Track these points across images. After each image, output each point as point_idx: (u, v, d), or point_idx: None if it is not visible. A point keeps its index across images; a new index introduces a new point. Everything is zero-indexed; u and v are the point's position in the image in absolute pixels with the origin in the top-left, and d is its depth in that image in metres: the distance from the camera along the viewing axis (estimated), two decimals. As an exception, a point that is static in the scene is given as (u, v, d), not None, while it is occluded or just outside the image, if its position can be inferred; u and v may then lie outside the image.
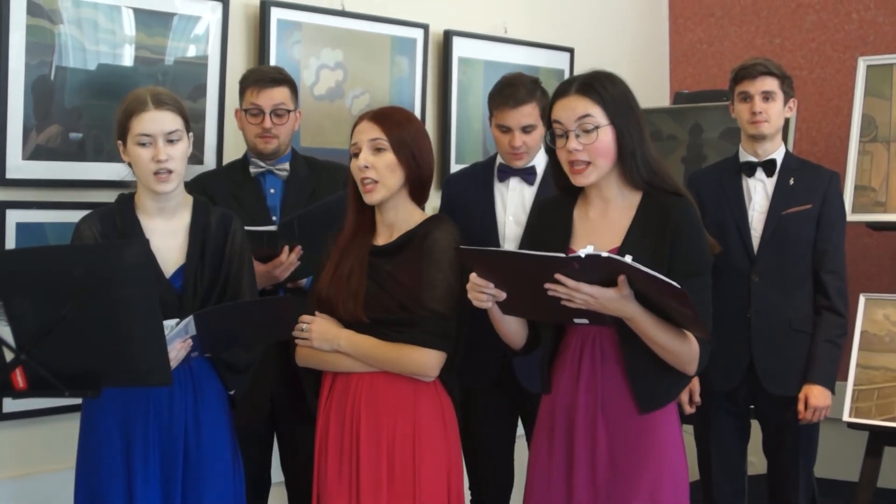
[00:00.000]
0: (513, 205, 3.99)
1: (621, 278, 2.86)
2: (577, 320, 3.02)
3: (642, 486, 3.02)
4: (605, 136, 3.03)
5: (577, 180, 3.08)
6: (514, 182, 4.01)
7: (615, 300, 2.88)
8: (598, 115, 3.03)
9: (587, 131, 3.03)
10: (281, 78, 4.04)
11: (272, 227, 3.78)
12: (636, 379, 3.03)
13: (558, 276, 2.84)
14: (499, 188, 4.05)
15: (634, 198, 3.12)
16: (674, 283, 2.81)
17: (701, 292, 3.01)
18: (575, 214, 3.18)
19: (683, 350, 3.00)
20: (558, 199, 3.25)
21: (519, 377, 3.86)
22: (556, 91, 3.13)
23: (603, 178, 3.09)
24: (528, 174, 3.99)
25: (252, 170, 4.02)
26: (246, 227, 3.60)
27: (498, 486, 4.17)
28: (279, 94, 4.00)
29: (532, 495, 3.19)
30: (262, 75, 4.05)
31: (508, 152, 3.95)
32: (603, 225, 3.12)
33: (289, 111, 4.01)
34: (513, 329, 3.17)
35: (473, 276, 2.98)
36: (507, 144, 3.93)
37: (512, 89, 3.90)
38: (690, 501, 3.17)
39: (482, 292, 2.97)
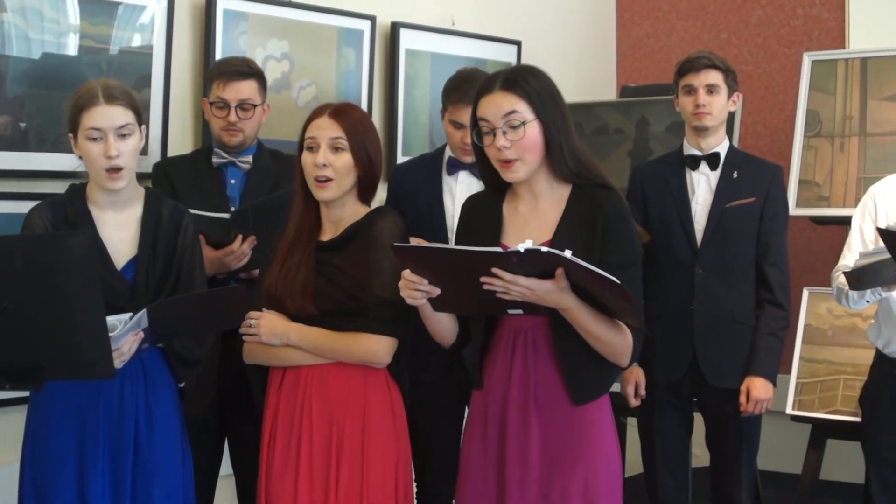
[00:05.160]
0: (461, 197, 3.96)
1: (559, 271, 2.86)
2: (511, 311, 3.03)
3: (575, 479, 3.02)
4: (532, 131, 3.03)
5: (508, 177, 3.08)
6: (464, 175, 4.02)
7: (552, 292, 2.89)
8: (523, 110, 3.03)
9: (514, 127, 3.03)
10: (248, 71, 3.98)
11: (224, 215, 3.76)
12: (569, 370, 3.04)
13: (495, 270, 2.84)
14: (447, 181, 4.06)
15: (564, 191, 3.12)
16: (612, 278, 2.83)
17: (632, 283, 3.01)
18: (504, 209, 3.18)
19: (618, 341, 3.01)
20: (487, 194, 3.25)
21: (469, 369, 3.86)
22: (480, 88, 3.12)
23: (532, 173, 3.09)
24: (477, 168, 3.99)
25: (215, 160, 3.98)
26: (197, 212, 3.56)
27: (444, 480, 4.16)
28: (246, 89, 3.94)
29: (465, 491, 3.19)
30: (228, 68, 3.98)
31: (460, 147, 3.95)
32: (533, 219, 3.12)
33: (255, 105, 3.96)
34: (443, 325, 3.16)
35: (406, 273, 2.96)
36: (460, 140, 3.93)
37: (468, 87, 3.87)
38: (635, 494, 3.18)
39: (416, 289, 2.97)
